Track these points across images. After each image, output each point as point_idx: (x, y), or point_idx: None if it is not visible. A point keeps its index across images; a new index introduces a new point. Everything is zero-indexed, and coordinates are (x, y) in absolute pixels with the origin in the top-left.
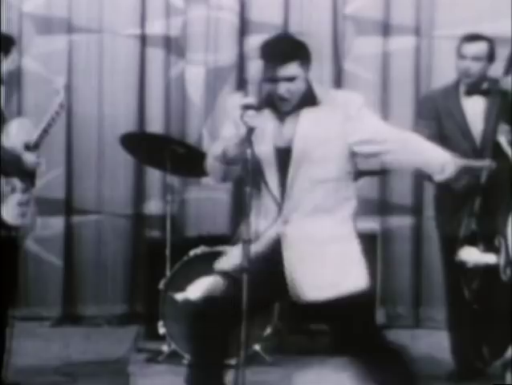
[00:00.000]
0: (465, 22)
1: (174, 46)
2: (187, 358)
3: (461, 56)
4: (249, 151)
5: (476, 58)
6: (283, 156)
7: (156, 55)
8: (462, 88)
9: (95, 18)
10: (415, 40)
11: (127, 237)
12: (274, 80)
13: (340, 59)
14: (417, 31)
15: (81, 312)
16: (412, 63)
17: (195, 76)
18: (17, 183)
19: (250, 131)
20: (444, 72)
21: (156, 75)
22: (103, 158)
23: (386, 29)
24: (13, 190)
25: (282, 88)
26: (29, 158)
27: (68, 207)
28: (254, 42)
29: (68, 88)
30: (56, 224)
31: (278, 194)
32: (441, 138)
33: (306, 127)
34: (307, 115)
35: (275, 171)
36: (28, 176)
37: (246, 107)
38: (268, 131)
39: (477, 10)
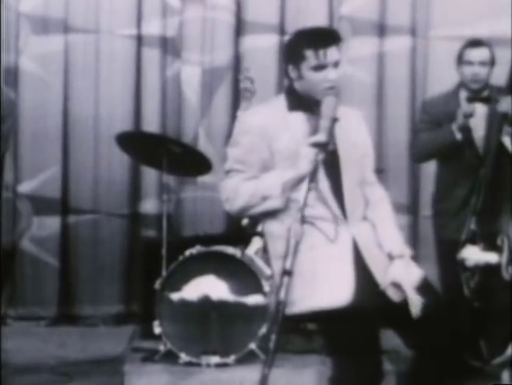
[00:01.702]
0: (461, 22)
1: (170, 47)
2: (182, 357)
3: (467, 62)
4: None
5: (482, 63)
6: (330, 159)
7: (152, 55)
8: (463, 94)
9: (92, 19)
10: (411, 41)
11: (123, 236)
12: (323, 67)
13: None
14: (413, 32)
15: (77, 312)
16: (407, 64)
17: (191, 76)
18: None
19: (317, 169)
20: (440, 73)
21: (153, 75)
22: (99, 157)
23: (382, 29)
24: None
25: (332, 74)
26: None
27: (64, 206)
28: (250, 42)
29: (64, 88)
30: (52, 223)
31: (332, 199)
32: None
33: (343, 128)
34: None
35: (324, 175)
36: None
37: (316, 145)
38: (305, 132)
39: (473, 10)
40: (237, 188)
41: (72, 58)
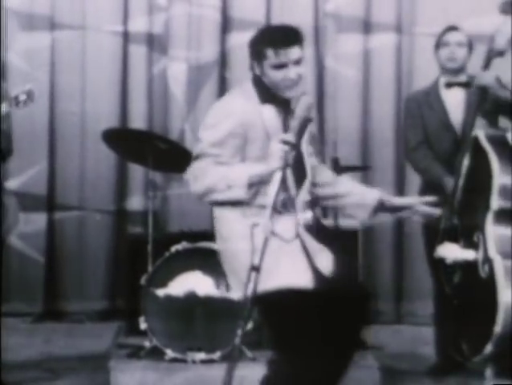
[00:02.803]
0: (445, 19)
1: (157, 43)
2: (168, 353)
3: (443, 44)
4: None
5: (459, 44)
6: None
7: (138, 52)
8: (442, 81)
9: (78, 15)
10: (396, 37)
11: (109, 232)
12: (283, 66)
13: (321, 57)
14: (398, 28)
15: (63, 308)
16: (393, 60)
17: (177, 73)
18: None
19: (287, 166)
20: (426, 69)
21: (139, 72)
22: (85, 154)
23: (367, 26)
24: None
25: (293, 72)
26: None
27: (50, 203)
28: (236, 39)
29: (51, 84)
30: (38, 219)
31: (294, 190)
32: (425, 133)
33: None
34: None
35: (292, 171)
36: None
37: (286, 143)
38: (276, 128)
39: (458, 7)
40: (206, 170)
41: (58, 55)
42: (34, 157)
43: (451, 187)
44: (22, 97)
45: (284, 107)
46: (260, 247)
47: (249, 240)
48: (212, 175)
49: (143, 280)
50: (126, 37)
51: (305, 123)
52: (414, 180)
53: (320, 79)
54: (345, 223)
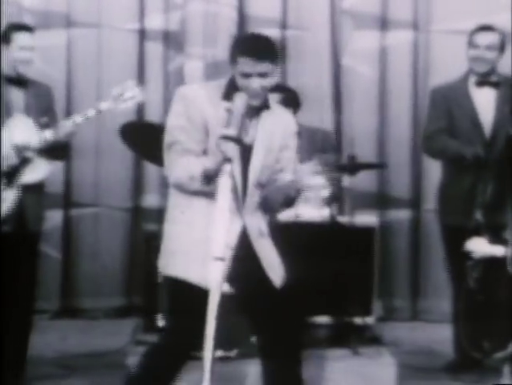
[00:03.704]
0: (462, 16)
1: (173, 41)
2: None
3: (473, 46)
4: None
5: (489, 47)
6: (246, 153)
7: (154, 50)
8: (472, 80)
9: (94, 13)
10: (413, 34)
11: (125, 229)
12: (248, 75)
13: (338, 54)
14: (415, 26)
15: (79, 305)
16: (409, 58)
17: (193, 70)
18: None
19: (227, 160)
20: (442, 66)
21: (155, 70)
22: (101, 151)
23: (384, 23)
24: None
25: (256, 83)
26: (11, 158)
27: (66, 200)
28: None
29: (67, 82)
30: (54, 217)
31: (241, 189)
32: (452, 129)
33: (265, 128)
34: (265, 118)
35: (238, 166)
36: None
37: (227, 138)
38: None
39: (474, 3)
40: (175, 161)
41: (74, 53)
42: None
43: (472, 154)
44: (128, 94)
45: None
46: (220, 239)
47: (193, 227)
48: (178, 167)
49: (160, 277)
50: (142, 34)
51: (243, 118)
52: (431, 177)
53: (336, 77)
54: (361, 220)
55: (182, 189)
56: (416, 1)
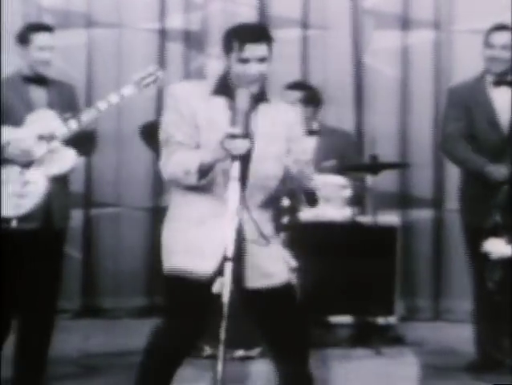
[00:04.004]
0: (484, 15)
1: (194, 41)
2: (206, 350)
3: (489, 45)
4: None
5: (505, 47)
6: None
7: (175, 50)
8: (489, 79)
9: (115, 13)
10: (434, 34)
11: (145, 229)
12: (246, 61)
13: (360, 54)
14: (437, 25)
15: (100, 304)
16: (431, 57)
17: (215, 70)
18: (11, 174)
19: (235, 158)
20: (464, 66)
21: (176, 69)
22: (122, 151)
23: (405, 23)
24: (6, 181)
25: (254, 68)
26: (37, 149)
27: (87, 200)
28: (273, 36)
29: (87, 82)
30: (75, 216)
31: (237, 187)
32: (470, 129)
33: (264, 124)
34: (264, 113)
35: (238, 164)
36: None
37: (233, 136)
38: (226, 121)
39: (496, 2)
40: (170, 157)
41: (95, 53)
42: None
43: (497, 175)
44: (150, 78)
45: (233, 99)
46: (230, 239)
47: (198, 225)
48: (172, 161)
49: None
50: (163, 34)
51: (248, 114)
52: (453, 176)
53: (358, 76)
54: (384, 220)
55: (177, 184)
56: (438, 0)
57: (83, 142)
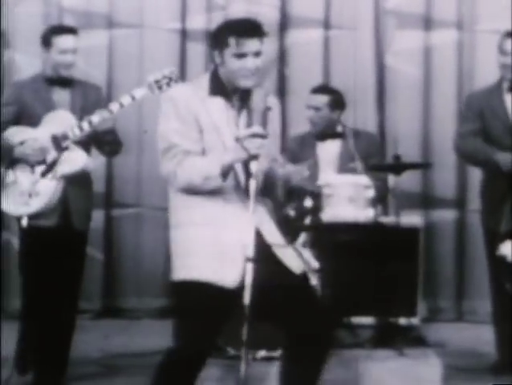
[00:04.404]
0: (507, 15)
1: None
2: (228, 351)
3: (503, 52)
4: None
5: None
6: None
7: (196, 50)
8: (505, 85)
9: (136, 13)
10: (457, 34)
11: (166, 229)
12: (243, 55)
13: (382, 54)
14: (459, 25)
15: (121, 305)
16: (454, 58)
17: None
18: (23, 172)
19: (253, 158)
20: (487, 66)
21: (197, 70)
22: (142, 152)
23: (428, 23)
24: (14, 180)
25: (251, 63)
26: (49, 149)
27: (108, 200)
28: (295, 36)
29: (108, 83)
30: (96, 217)
31: (244, 184)
32: (486, 134)
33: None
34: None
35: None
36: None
37: (254, 136)
38: (227, 121)
39: None
40: (180, 164)
41: (116, 53)
42: (92, 154)
43: (503, 163)
44: (164, 81)
45: (235, 101)
46: (250, 240)
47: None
48: (187, 169)
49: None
50: (184, 35)
51: (266, 113)
52: (476, 177)
53: (380, 77)
54: (406, 220)
55: (193, 191)
56: (461, 0)
57: (107, 142)
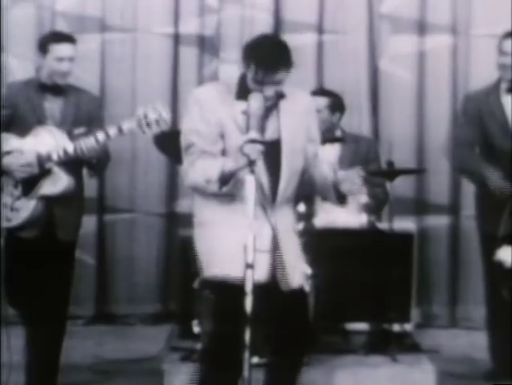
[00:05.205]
0: (502, 20)
1: (208, 45)
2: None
3: (501, 52)
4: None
5: None
6: (269, 148)
7: (189, 54)
8: (503, 86)
9: (129, 17)
10: (451, 39)
11: (160, 235)
12: (261, 83)
13: (376, 58)
14: (454, 30)
15: (114, 311)
16: (448, 62)
17: (229, 75)
18: (6, 185)
19: (252, 163)
20: (482, 71)
21: (190, 74)
22: (136, 156)
23: (422, 27)
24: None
25: (270, 91)
26: (33, 167)
27: (101, 205)
28: (288, 41)
29: (101, 87)
30: (89, 222)
31: (268, 187)
32: (483, 136)
33: (288, 119)
34: (284, 107)
35: (262, 164)
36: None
37: (253, 142)
38: (242, 127)
39: None
40: (192, 164)
41: (109, 58)
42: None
43: (495, 180)
44: (153, 118)
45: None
46: (250, 246)
47: (227, 227)
48: (194, 170)
49: (196, 283)
50: (177, 39)
51: (263, 118)
52: (470, 183)
53: (374, 81)
54: (400, 226)
55: (198, 192)
56: (455, 5)
57: (90, 167)
